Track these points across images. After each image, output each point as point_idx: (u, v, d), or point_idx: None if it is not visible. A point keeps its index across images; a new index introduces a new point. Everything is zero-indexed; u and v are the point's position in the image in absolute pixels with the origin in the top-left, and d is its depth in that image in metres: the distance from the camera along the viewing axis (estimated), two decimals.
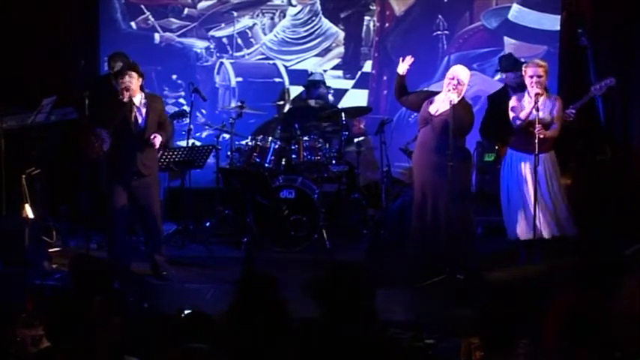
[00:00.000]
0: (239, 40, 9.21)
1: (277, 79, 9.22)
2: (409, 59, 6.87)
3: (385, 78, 9.12)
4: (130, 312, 5.13)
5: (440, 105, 6.74)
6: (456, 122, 6.54)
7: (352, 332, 3.28)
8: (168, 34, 9.19)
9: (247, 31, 9.21)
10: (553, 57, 8.60)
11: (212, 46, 9.21)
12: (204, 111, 9.07)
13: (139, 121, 6.79)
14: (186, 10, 9.20)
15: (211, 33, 9.20)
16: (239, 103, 8.35)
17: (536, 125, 6.47)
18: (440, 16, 9.05)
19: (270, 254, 7.58)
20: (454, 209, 6.66)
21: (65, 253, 7.30)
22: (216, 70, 9.22)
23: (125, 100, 6.67)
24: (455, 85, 6.64)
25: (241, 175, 7.65)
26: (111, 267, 6.35)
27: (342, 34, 9.19)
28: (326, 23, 9.17)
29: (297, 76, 9.13)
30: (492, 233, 7.76)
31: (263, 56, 9.22)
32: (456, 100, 6.58)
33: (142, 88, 6.87)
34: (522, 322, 3.58)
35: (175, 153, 7.79)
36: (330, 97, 8.97)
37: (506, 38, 9.02)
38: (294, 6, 9.18)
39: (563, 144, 6.99)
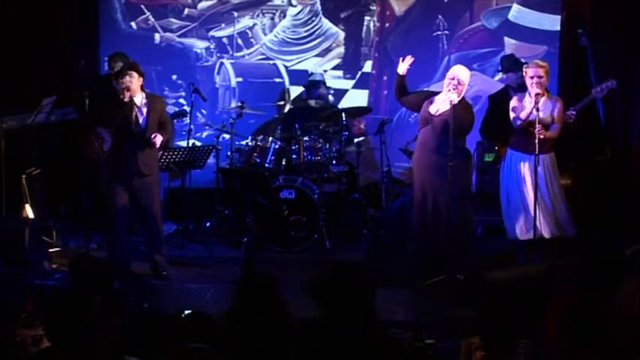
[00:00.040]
0: (239, 41, 9.21)
1: (277, 80, 9.22)
2: (409, 59, 6.87)
3: (385, 78, 9.12)
4: (130, 312, 5.13)
5: (440, 105, 6.74)
6: (456, 122, 6.54)
7: (352, 332, 3.28)
8: (168, 34, 9.19)
9: (247, 31, 9.21)
10: (553, 57, 8.60)
11: (212, 47, 9.21)
12: (204, 111, 9.07)
13: (140, 120, 6.79)
14: (186, 10, 9.20)
15: (211, 33, 9.21)
16: (239, 104, 8.35)
17: (537, 125, 6.47)
18: (440, 16, 9.05)
19: (270, 254, 7.58)
20: (454, 209, 6.66)
21: (65, 253, 7.30)
22: (216, 70, 9.22)
23: (126, 99, 6.67)
24: (455, 85, 6.65)
25: (241, 175, 7.65)
26: (111, 267, 6.35)
27: (342, 34, 9.19)
28: (326, 23, 9.17)
29: (298, 76, 9.13)
30: (492, 233, 7.76)
31: (263, 56, 9.23)
32: (456, 100, 6.58)
33: (142, 88, 6.87)
34: (522, 322, 3.58)
35: (175, 153, 7.79)
36: (331, 98, 8.97)
37: (506, 38, 9.02)
38: (295, 6, 9.18)
39: (563, 144, 6.99)
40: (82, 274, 5.35)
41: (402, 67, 6.87)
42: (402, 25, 9.13)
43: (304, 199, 7.76)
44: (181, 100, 9.14)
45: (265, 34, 9.21)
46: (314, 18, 9.17)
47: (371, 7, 9.17)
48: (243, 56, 9.23)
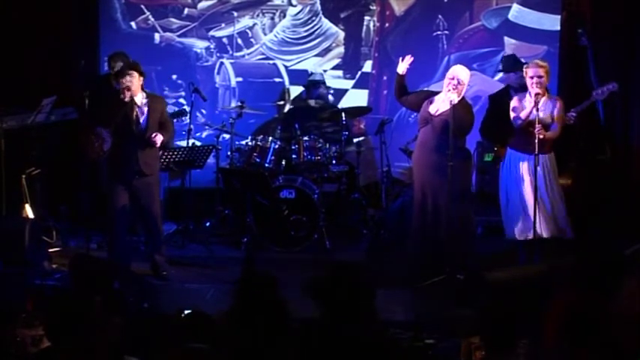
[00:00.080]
0: (239, 40, 9.21)
1: (277, 79, 9.22)
2: (409, 59, 6.87)
3: (385, 78, 9.12)
4: (130, 312, 5.13)
5: (440, 105, 6.74)
6: (456, 122, 6.54)
7: (352, 332, 3.28)
8: (168, 34, 9.19)
9: (247, 31, 9.21)
10: (553, 57, 8.60)
11: (212, 46, 9.21)
12: (204, 111, 9.07)
13: (141, 120, 6.79)
14: (186, 10, 9.20)
15: (211, 33, 9.21)
16: (239, 103, 8.35)
17: (536, 125, 6.47)
18: (440, 16, 9.05)
19: (270, 254, 7.58)
20: (454, 209, 6.65)
21: (65, 253, 7.30)
22: (216, 70, 9.22)
23: (126, 99, 6.67)
24: (455, 85, 6.65)
25: (241, 175, 7.65)
26: (111, 267, 6.35)
27: (342, 34, 9.19)
28: (326, 23, 9.17)
29: (297, 76, 9.13)
30: (492, 233, 7.76)
31: (263, 56, 9.23)
32: (456, 100, 6.58)
33: (142, 88, 6.87)
34: (522, 322, 3.58)
35: (175, 153, 7.79)
36: (330, 97, 8.97)
37: (506, 38, 9.02)
38: (295, 6, 9.18)
39: (563, 144, 6.99)
40: (82, 274, 5.35)
41: (402, 67, 6.87)
42: (401, 25, 9.13)
43: (304, 199, 7.76)
44: (181, 100, 9.14)
45: (265, 34, 9.21)
46: (314, 18, 9.17)
47: (371, 7, 9.17)
48: (243, 56, 9.23)
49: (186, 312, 3.90)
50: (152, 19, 9.16)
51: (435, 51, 9.05)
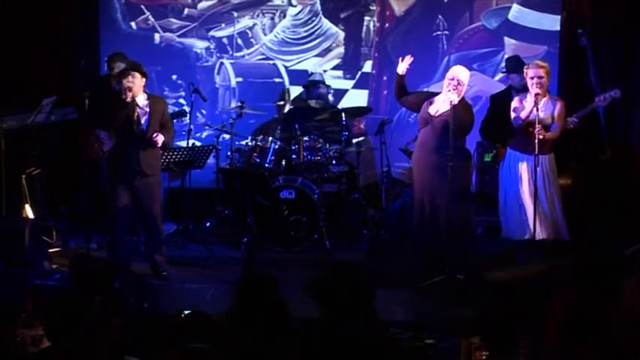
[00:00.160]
0: (239, 41, 9.21)
1: (277, 80, 9.22)
2: (408, 59, 6.87)
3: (385, 78, 9.12)
4: (130, 312, 5.13)
5: (440, 105, 6.74)
6: (456, 122, 6.54)
7: (352, 332, 3.28)
8: (168, 34, 9.19)
9: (247, 31, 9.21)
10: (553, 57, 8.60)
11: (212, 47, 9.21)
12: (204, 111, 9.07)
13: (142, 121, 6.79)
14: (186, 11, 9.20)
15: (211, 33, 9.21)
16: (239, 104, 8.35)
17: (536, 126, 6.47)
18: (440, 17, 9.05)
19: (270, 254, 7.58)
20: (454, 209, 6.66)
21: (65, 253, 7.30)
22: (216, 71, 9.22)
23: (128, 100, 6.67)
24: (455, 86, 6.65)
25: (241, 175, 7.66)
26: (111, 267, 6.34)
27: (342, 35, 9.19)
28: (326, 23, 9.17)
29: (297, 76, 9.13)
30: (492, 233, 7.74)
31: (263, 56, 9.23)
32: (456, 100, 6.58)
33: (143, 89, 6.87)
34: (522, 322, 3.58)
35: (175, 153, 7.79)
36: (330, 98, 8.96)
37: (506, 38, 9.02)
38: (295, 6, 9.18)
39: (563, 144, 6.99)
40: (82, 274, 5.35)
41: (402, 67, 6.87)
42: (401, 25, 9.13)
43: (304, 199, 7.76)
44: (181, 100, 9.14)
45: (265, 34, 9.21)
46: (314, 18, 9.17)
47: (371, 7, 9.17)
48: (243, 56, 9.23)
49: (186, 312, 3.90)
50: (152, 20, 9.16)
51: (435, 51, 9.05)
